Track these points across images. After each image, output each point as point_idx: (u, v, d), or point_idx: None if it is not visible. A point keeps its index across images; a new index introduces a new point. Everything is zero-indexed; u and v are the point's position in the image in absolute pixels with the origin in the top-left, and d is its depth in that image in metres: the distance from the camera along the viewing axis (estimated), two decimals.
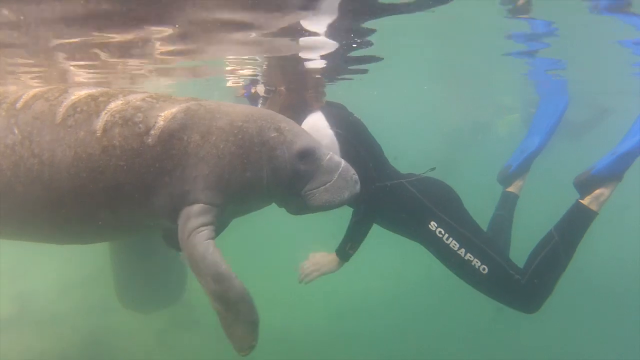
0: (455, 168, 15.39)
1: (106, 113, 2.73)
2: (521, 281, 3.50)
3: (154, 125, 2.70)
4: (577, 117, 12.77)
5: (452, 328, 7.81)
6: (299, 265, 3.81)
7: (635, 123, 3.88)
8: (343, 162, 2.85)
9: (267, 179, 2.79)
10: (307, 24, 4.81)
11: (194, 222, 2.66)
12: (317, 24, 4.83)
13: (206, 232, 2.66)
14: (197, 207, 2.69)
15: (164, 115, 2.75)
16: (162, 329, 7.03)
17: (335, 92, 7.15)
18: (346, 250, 3.64)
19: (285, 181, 2.79)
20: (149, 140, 2.67)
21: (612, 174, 3.71)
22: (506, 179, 4.71)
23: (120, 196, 2.68)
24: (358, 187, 2.83)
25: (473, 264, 3.49)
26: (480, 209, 4.47)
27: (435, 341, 7.48)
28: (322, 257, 3.77)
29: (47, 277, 8.59)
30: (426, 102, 14.87)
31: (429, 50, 6.30)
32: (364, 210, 3.54)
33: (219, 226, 2.86)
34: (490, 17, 4.60)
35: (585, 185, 3.75)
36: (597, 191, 3.69)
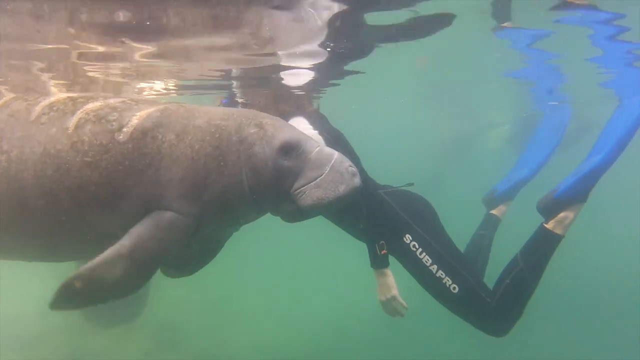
0: (440, 182, 15.50)
1: (82, 112, 2.59)
2: (490, 304, 3.45)
3: (127, 123, 2.54)
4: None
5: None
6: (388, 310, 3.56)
7: (599, 141, 3.83)
8: (336, 154, 2.52)
9: (248, 181, 2.52)
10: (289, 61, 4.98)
11: (163, 233, 2.43)
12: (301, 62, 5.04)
13: (169, 249, 2.47)
14: (168, 217, 2.45)
15: (139, 115, 2.58)
16: (145, 350, 6.89)
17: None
18: (378, 255, 3.45)
19: (269, 182, 2.50)
20: (120, 136, 2.49)
21: (575, 196, 3.63)
22: (491, 202, 4.74)
23: (86, 198, 2.46)
24: (357, 180, 2.47)
25: (444, 281, 3.43)
26: (465, 223, 4.51)
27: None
28: (380, 286, 3.53)
29: (30, 297, 8.40)
30: (410, 116, 14.99)
31: (413, 68, 6.41)
32: (367, 215, 3.42)
33: (195, 240, 2.61)
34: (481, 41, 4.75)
35: (548, 209, 3.66)
36: (561, 214, 3.61)
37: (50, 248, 2.78)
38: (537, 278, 3.54)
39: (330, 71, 5.94)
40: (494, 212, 4.69)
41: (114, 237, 2.59)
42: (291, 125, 2.70)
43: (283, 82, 5.89)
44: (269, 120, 2.63)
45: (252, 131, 2.55)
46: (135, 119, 2.56)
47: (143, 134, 2.50)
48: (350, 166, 2.49)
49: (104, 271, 2.36)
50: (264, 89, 6.33)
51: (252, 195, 2.55)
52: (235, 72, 5.47)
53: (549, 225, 3.61)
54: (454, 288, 3.43)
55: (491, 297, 3.48)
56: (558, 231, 3.58)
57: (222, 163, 2.49)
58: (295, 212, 2.54)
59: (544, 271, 3.56)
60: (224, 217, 2.64)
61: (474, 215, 4.78)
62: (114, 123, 2.53)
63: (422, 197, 3.79)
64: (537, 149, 5.27)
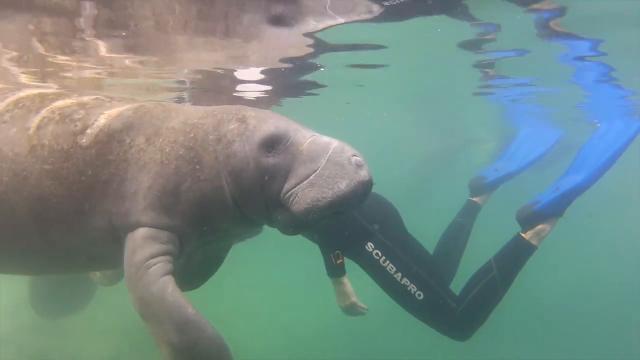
0: (424, 194, 15.55)
1: (48, 110, 2.26)
2: (456, 310, 3.48)
3: (92, 123, 2.19)
4: None
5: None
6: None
7: (577, 159, 4.07)
8: (335, 142, 2.05)
9: (229, 187, 2.11)
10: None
11: (141, 253, 2.03)
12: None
13: (159, 265, 2.03)
14: (141, 233, 2.07)
15: (108, 113, 2.23)
16: (117, 352, 6.76)
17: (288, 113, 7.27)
18: (334, 265, 3.46)
19: (253, 186, 2.07)
20: (83, 140, 2.14)
21: (554, 211, 3.77)
22: (479, 188, 4.80)
23: (46, 211, 2.14)
24: (365, 172, 1.98)
25: (409, 289, 3.44)
26: (493, 219, 4.49)
27: None
28: (338, 294, 3.60)
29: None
30: (394, 129, 15.07)
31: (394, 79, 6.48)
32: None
33: (184, 255, 2.25)
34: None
35: (527, 220, 3.77)
36: (539, 227, 3.72)
37: (17, 264, 2.50)
38: (508, 286, 3.62)
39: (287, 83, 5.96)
40: (476, 199, 4.76)
41: (81, 254, 2.33)
42: (281, 116, 2.23)
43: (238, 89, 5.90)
44: (254, 112, 2.20)
45: (232, 127, 2.13)
46: (103, 118, 2.21)
47: (109, 137, 2.15)
48: (355, 155, 2.00)
49: (180, 345, 1.94)
50: (219, 94, 6.26)
51: (235, 203, 2.14)
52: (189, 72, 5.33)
53: (527, 236, 3.73)
54: (419, 295, 3.43)
55: (458, 302, 3.52)
56: (534, 242, 3.71)
57: (197, 166, 2.09)
58: (289, 221, 2.07)
59: (514, 280, 3.66)
60: (208, 232, 2.22)
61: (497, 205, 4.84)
62: (77, 123, 2.19)
63: (384, 199, 3.74)
64: (531, 147, 5.50)
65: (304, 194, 1.97)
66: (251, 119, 2.14)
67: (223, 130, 2.13)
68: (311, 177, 1.98)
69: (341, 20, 3.30)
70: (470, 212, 4.64)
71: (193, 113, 2.26)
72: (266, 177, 2.05)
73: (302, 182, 1.99)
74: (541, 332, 8.71)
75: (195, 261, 2.70)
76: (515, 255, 3.69)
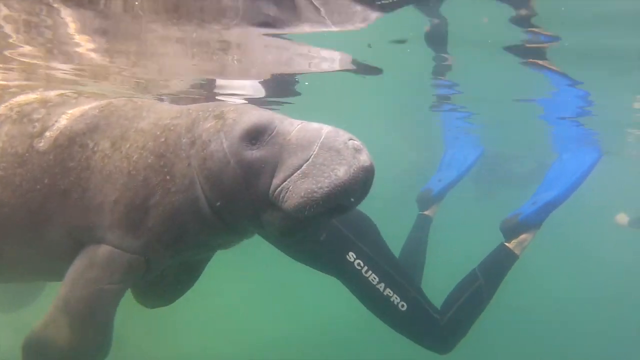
0: (404, 203, 15.61)
1: (6, 106, 2.05)
2: (440, 321, 3.41)
3: (52, 124, 1.97)
4: (521, 169, 13.64)
5: None
6: None
7: (549, 174, 4.54)
8: (327, 127, 1.79)
9: (206, 195, 1.86)
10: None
11: (98, 273, 1.86)
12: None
13: (110, 295, 1.88)
14: (104, 252, 1.88)
15: (71, 113, 2.01)
16: None
17: None
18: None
19: (236, 188, 1.81)
20: (40, 144, 1.93)
21: (537, 221, 4.05)
22: (427, 201, 4.99)
23: None
24: (365, 157, 1.70)
25: (392, 300, 3.28)
26: (433, 248, 4.55)
27: None
28: None
29: None
30: (372, 143, 15.29)
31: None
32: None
33: (155, 273, 2.07)
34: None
35: (513, 230, 3.98)
36: (522, 236, 3.93)
37: None
38: (492, 296, 3.66)
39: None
40: (427, 212, 4.91)
41: (40, 268, 2.14)
42: (262, 109, 2.00)
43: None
44: (233, 107, 1.96)
45: (208, 126, 1.88)
46: (65, 119, 1.98)
47: (70, 140, 1.93)
48: (351, 139, 1.73)
49: (51, 336, 1.87)
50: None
51: (215, 213, 1.89)
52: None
53: (511, 245, 3.89)
54: (402, 306, 3.29)
55: (441, 314, 3.45)
56: (517, 251, 3.87)
57: (168, 177, 1.86)
58: (282, 222, 1.79)
59: (497, 291, 3.72)
60: (183, 248, 2.00)
61: (438, 236, 4.87)
62: (36, 124, 1.97)
63: (360, 211, 3.60)
64: (466, 154, 6.21)
65: (297, 186, 1.69)
66: (230, 113, 1.90)
67: (198, 131, 1.89)
68: (303, 168, 1.70)
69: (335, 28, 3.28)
70: (424, 225, 4.76)
71: (166, 112, 2.03)
72: (251, 174, 1.78)
73: (293, 174, 1.72)
74: (516, 347, 8.76)
75: (169, 276, 2.45)
76: (500, 265, 3.82)
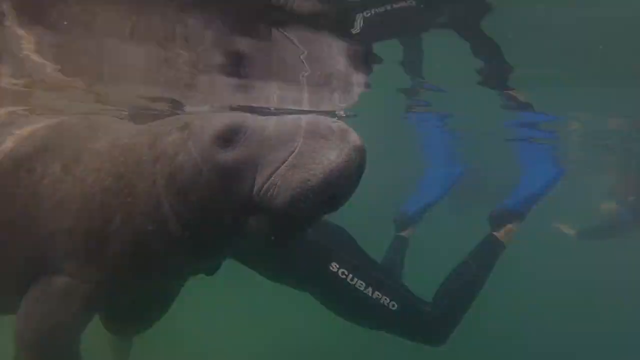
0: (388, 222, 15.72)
1: None
2: (432, 313, 3.41)
3: None
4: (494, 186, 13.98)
5: None
6: None
7: (522, 183, 4.85)
8: (304, 116, 1.63)
9: (176, 216, 1.67)
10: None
11: (52, 306, 1.72)
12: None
13: (69, 328, 1.76)
14: (60, 285, 1.72)
15: (19, 134, 1.85)
16: None
17: None
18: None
19: (212, 196, 1.61)
20: None
21: (523, 211, 4.29)
22: (404, 222, 5.03)
23: None
24: (354, 137, 1.55)
25: (382, 301, 3.23)
26: (418, 261, 4.64)
27: None
28: None
29: None
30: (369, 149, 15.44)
31: None
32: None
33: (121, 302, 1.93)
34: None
35: (502, 218, 4.17)
36: (509, 226, 4.10)
37: None
38: (483, 285, 3.75)
39: None
40: (403, 234, 4.94)
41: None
42: (233, 112, 1.87)
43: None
44: (197, 116, 1.79)
45: (172, 139, 1.68)
46: (11, 140, 1.81)
47: (16, 165, 1.76)
48: (335, 122, 1.60)
49: None
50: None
51: (185, 235, 1.69)
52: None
53: (499, 235, 4.04)
54: (393, 305, 3.26)
55: (432, 306, 3.48)
56: (504, 241, 4.02)
57: (129, 199, 1.69)
58: (272, 224, 1.60)
59: (487, 281, 3.81)
60: (150, 275, 1.85)
61: (422, 246, 4.95)
62: None
63: (340, 226, 3.59)
64: (445, 175, 6.53)
65: (286, 179, 1.52)
66: (195, 121, 1.73)
67: (162, 146, 1.69)
68: (290, 159, 1.54)
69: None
70: (402, 247, 4.74)
71: (124, 131, 1.87)
72: (229, 179, 1.59)
73: (279, 167, 1.55)
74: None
75: (137, 305, 2.28)
76: (491, 253, 3.92)
